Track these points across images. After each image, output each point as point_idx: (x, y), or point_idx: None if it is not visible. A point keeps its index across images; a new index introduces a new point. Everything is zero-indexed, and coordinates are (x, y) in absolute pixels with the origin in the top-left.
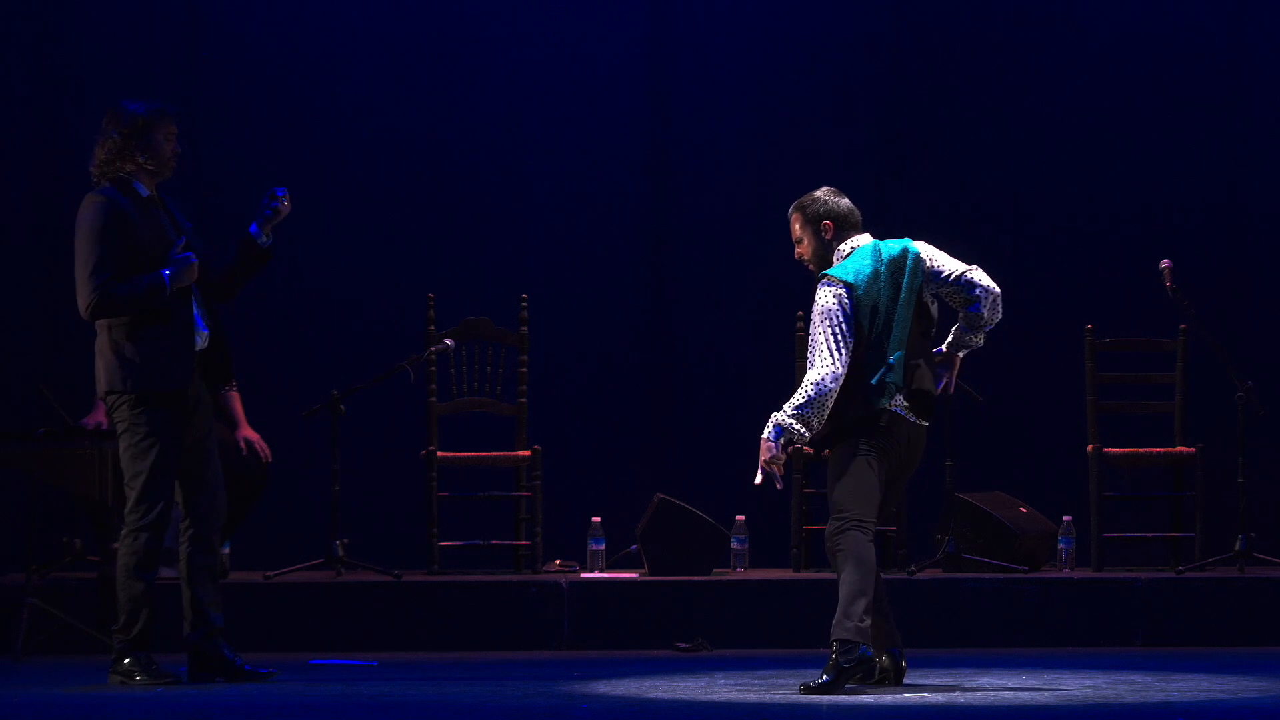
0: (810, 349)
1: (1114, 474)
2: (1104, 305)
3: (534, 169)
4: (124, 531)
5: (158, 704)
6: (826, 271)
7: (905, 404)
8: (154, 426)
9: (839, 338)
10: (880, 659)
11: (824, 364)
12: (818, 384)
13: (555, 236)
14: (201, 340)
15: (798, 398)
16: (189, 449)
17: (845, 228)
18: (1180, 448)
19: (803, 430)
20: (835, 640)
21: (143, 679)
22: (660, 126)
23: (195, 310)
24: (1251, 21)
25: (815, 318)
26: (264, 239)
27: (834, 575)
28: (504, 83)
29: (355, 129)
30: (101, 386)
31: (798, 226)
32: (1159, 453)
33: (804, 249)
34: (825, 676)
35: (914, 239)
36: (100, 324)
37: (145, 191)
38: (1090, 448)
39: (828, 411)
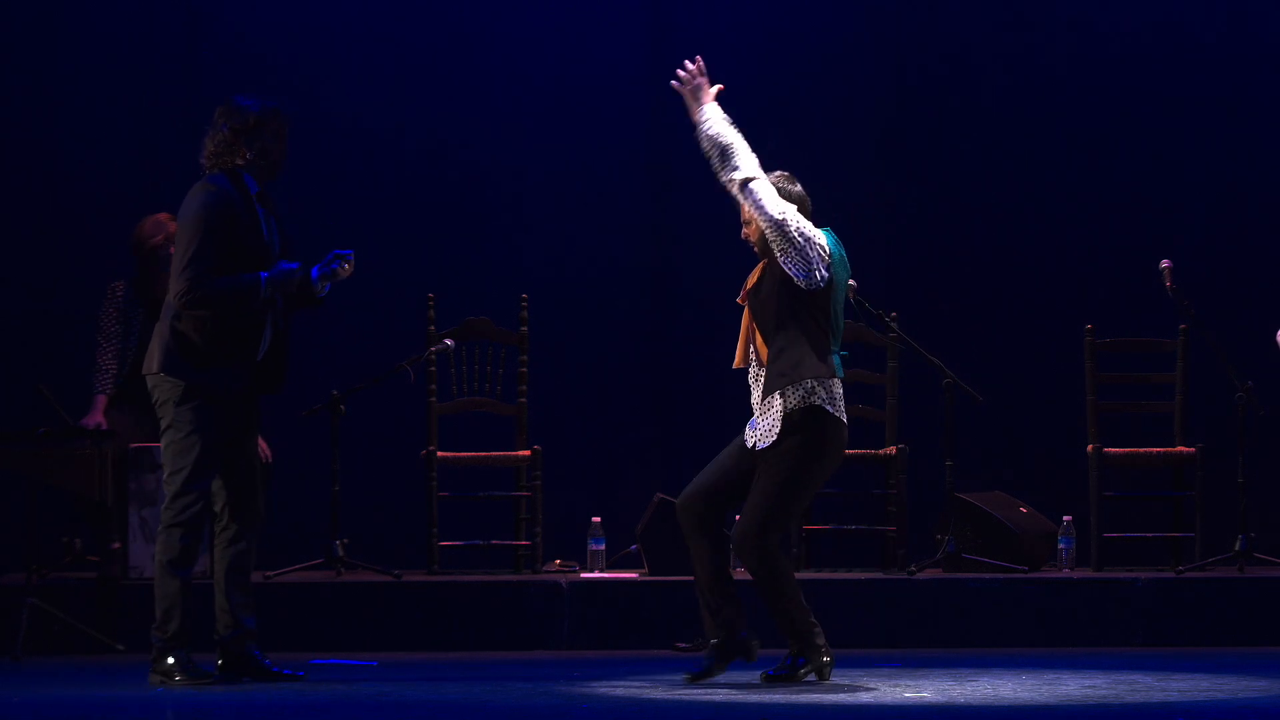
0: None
1: (1114, 474)
2: (1104, 305)
3: (534, 169)
4: (160, 527)
5: (158, 704)
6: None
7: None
8: (199, 424)
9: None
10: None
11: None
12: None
13: (555, 236)
14: (263, 350)
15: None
16: (230, 449)
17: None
18: (1180, 448)
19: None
20: None
21: (182, 679)
22: (660, 126)
23: (267, 318)
24: (1251, 21)
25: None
26: (319, 290)
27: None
28: (504, 83)
29: (355, 128)
30: (152, 365)
31: (747, 209)
32: (1159, 453)
33: (751, 231)
34: None
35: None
36: (168, 305)
37: (255, 187)
38: (1090, 448)
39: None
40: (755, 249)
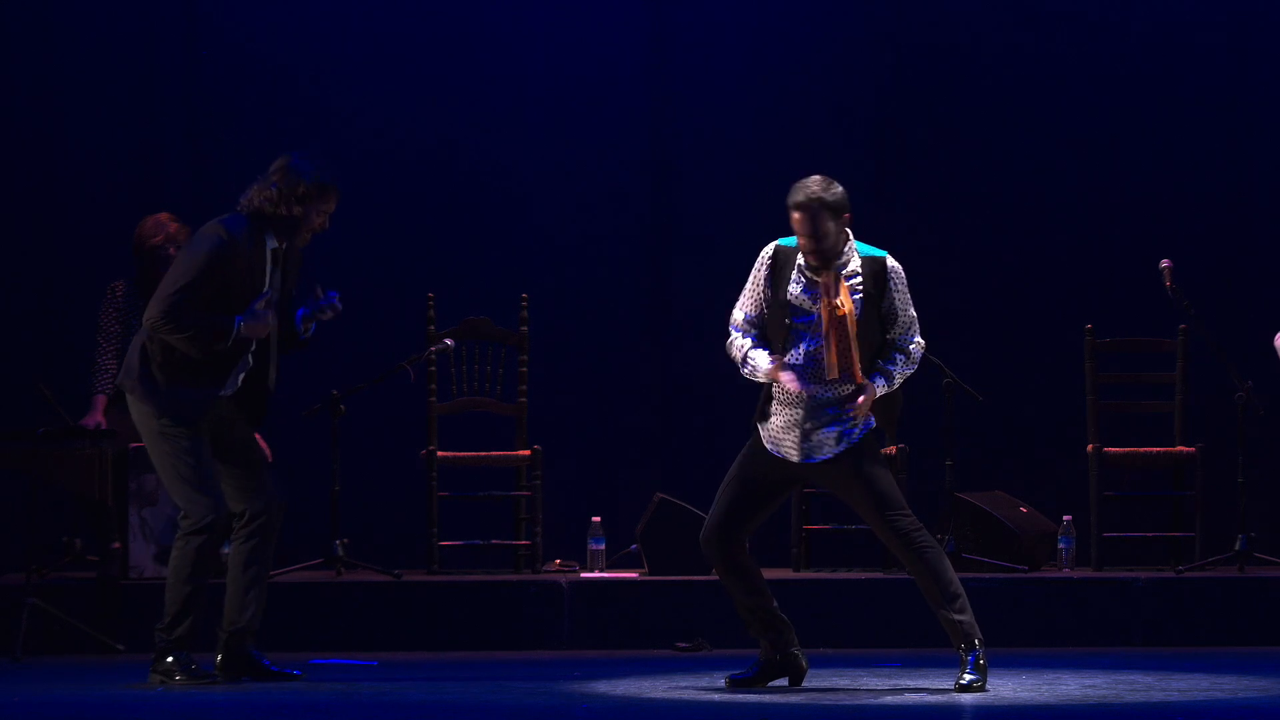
0: (901, 311)
1: (1114, 474)
2: (1104, 305)
3: (534, 169)
4: (177, 536)
5: (158, 704)
6: (883, 254)
7: None
8: (174, 443)
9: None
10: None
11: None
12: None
13: (555, 236)
14: (230, 388)
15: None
16: (229, 456)
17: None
18: (1180, 448)
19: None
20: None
21: (182, 679)
22: (660, 126)
23: (240, 360)
24: (1252, 21)
25: (902, 287)
26: (304, 331)
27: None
28: (504, 83)
29: (355, 128)
30: (125, 379)
31: (821, 219)
32: (1159, 453)
33: (822, 244)
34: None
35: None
36: (147, 326)
37: (272, 243)
38: (1090, 448)
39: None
40: (813, 261)
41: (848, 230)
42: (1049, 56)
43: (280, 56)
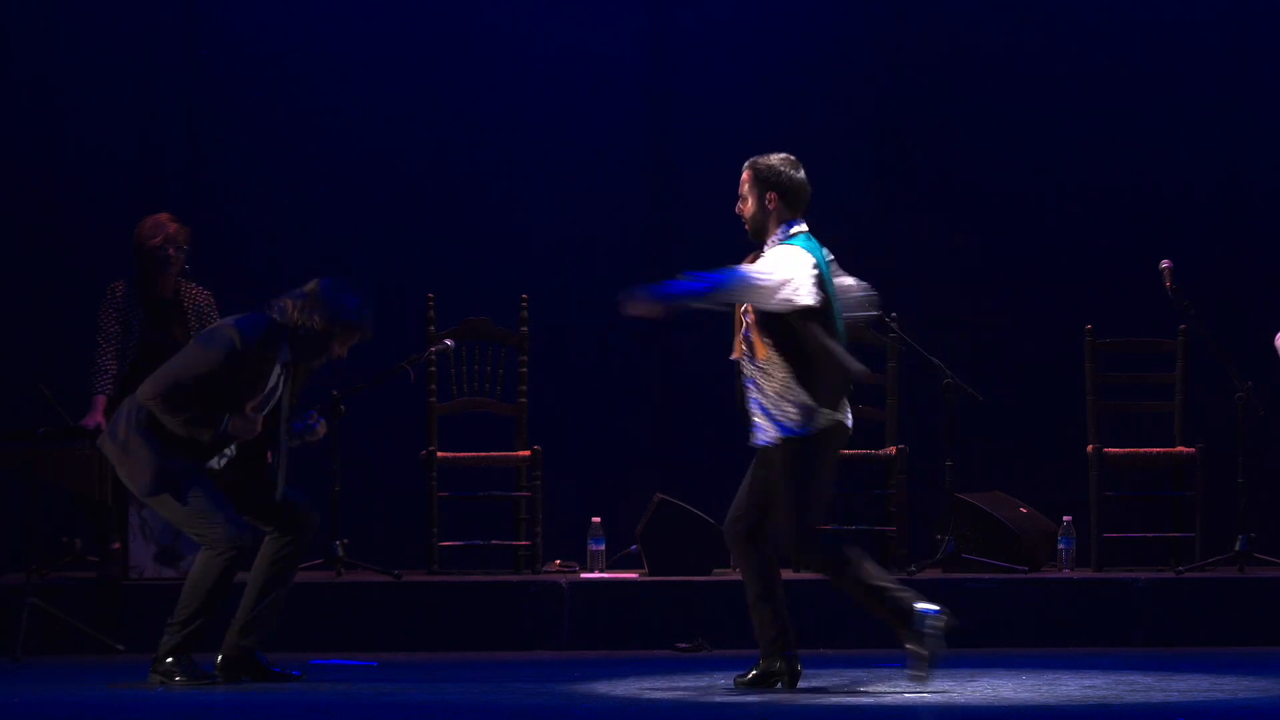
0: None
1: (1114, 474)
2: (1104, 305)
3: (534, 169)
4: (204, 547)
5: (157, 704)
6: (792, 243)
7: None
8: (164, 500)
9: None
10: (776, 664)
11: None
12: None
13: (555, 236)
14: (219, 464)
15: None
16: (240, 486)
17: (793, 206)
18: (1180, 448)
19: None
20: None
21: (182, 679)
22: (660, 126)
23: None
24: (1252, 21)
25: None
26: (292, 442)
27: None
28: (504, 83)
29: (355, 128)
30: (108, 443)
31: (746, 185)
32: (1159, 453)
33: (745, 208)
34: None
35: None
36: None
37: (286, 356)
38: (1090, 448)
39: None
40: (746, 227)
41: (776, 214)
42: (1049, 56)
43: (280, 56)
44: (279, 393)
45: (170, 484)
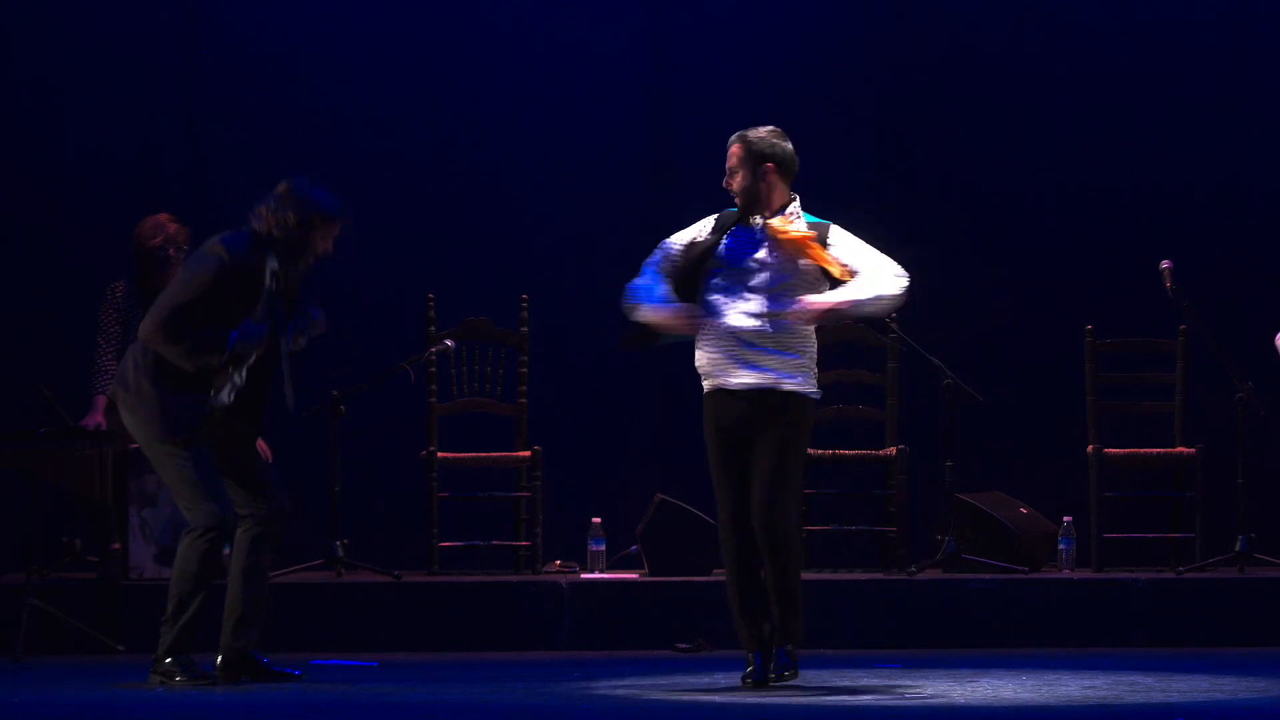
0: (862, 257)
1: (1114, 474)
2: (1104, 305)
3: (534, 169)
4: (183, 534)
5: (157, 704)
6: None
7: None
8: (171, 451)
9: None
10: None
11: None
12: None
13: (555, 236)
14: (223, 401)
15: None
16: (230, 465)
17: (786, 175)
18: (1180, 448)
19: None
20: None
21: (182, 679)
22: (660, 126)
23: (231, 376)
24: (1252, 21)
25: (851, 239)
26: (295, 346)
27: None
28: (504, 83)
29: (355, 128)
30: (117, 389)
31: (736, 159)
32: (1159, 453)
33: (735, 183)
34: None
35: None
36: (142, 339)
37: (274, 264)
38: (1090, 448)
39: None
40: (737, 201)
41: (773, 186)
42: (1049, 56)
43: (280, 56)
44: (276, 303)
45: (179, 435)
